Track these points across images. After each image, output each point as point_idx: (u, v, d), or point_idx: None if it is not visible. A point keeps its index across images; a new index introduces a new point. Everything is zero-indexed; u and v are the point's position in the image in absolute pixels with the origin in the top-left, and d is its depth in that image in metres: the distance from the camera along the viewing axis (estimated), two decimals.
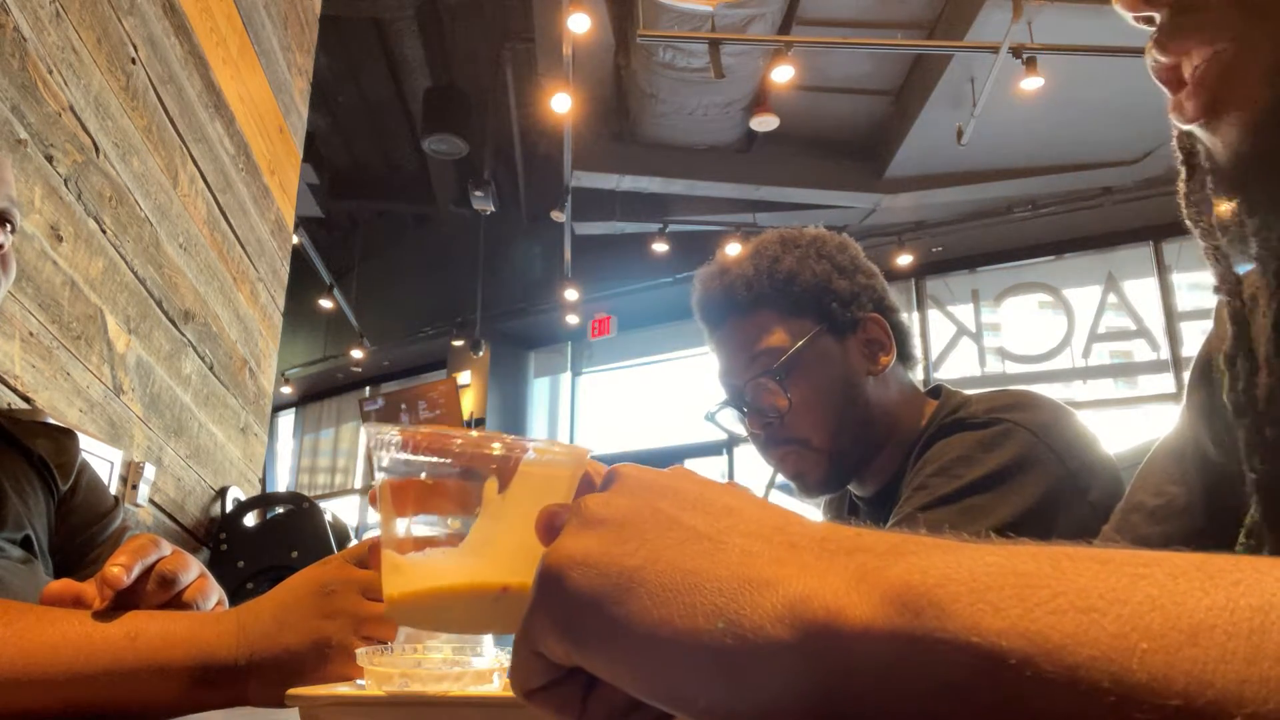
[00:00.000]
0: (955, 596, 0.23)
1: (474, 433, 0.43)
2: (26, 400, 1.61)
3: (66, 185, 1.70)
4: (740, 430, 1.19)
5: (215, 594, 0.77)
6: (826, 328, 1.13)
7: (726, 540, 0.30)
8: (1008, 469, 0.97)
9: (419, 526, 0.43)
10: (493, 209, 7.15)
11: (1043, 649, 0.21)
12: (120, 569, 0.66)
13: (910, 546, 0.27)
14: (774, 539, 0.29)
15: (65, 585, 0.71)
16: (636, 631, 0.28)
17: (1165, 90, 0.48)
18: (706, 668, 0.27)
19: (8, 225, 1.05)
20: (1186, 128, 0.48)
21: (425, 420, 8.03)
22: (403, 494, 0.43)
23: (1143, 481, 0.72)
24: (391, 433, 0.42)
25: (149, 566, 0.69)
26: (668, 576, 0.29)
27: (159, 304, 2.12)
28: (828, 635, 0.25)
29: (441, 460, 0.42)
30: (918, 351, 1.22)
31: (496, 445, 0.42)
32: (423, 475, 0.42)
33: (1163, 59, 0.47)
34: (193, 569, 0.73)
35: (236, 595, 2.29)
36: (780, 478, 1.18)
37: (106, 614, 0.67)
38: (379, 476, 0.43)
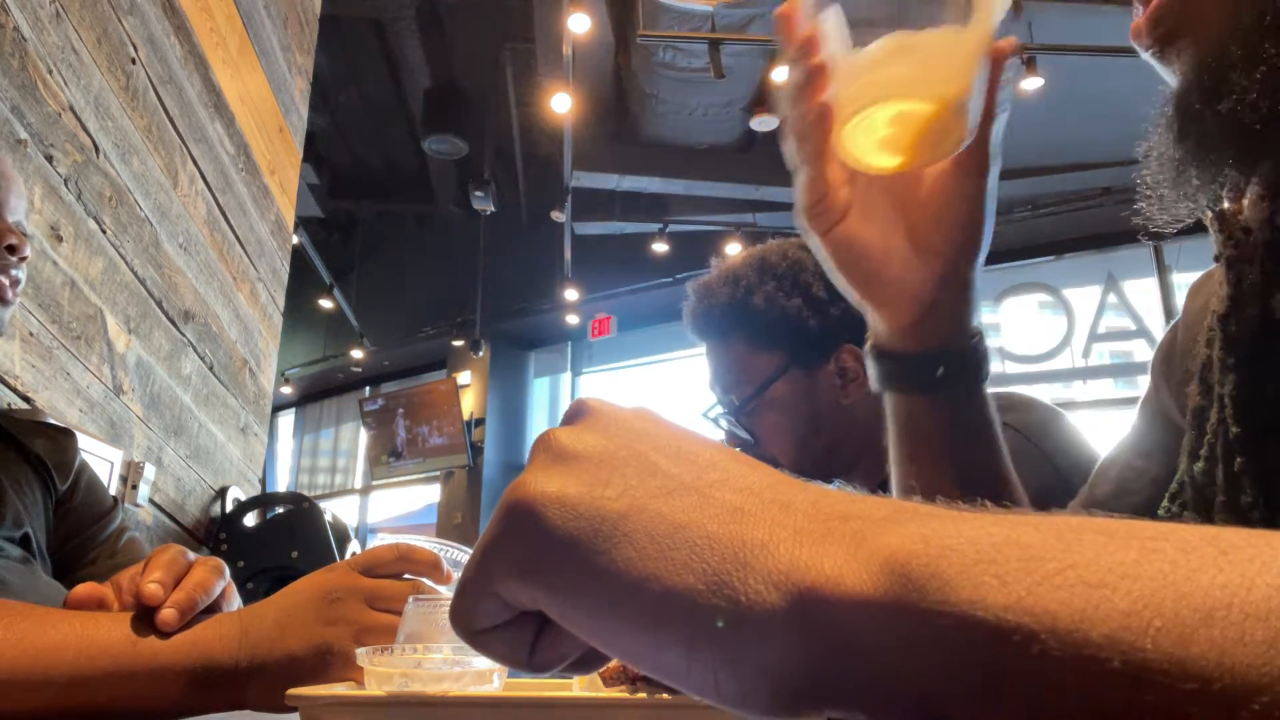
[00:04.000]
0: (958, 568, 0.22)
1: None
2: (26, 400, 1.61)
3: (66, 185, 1.70)
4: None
5: (236, 600, 0.77)
6: (796, 361, 1.15)
7: (715, 495, 0.28)
8: None
9: None
10: (493, 209, 7.15)
11: (1050, 626, 0.20)
12: (158, 586, 0.67)
13: (908, 514, 0.25)
14: (765, 496, 0.27)
15: (90, 590, 0.71)
16: (620, 584, 0.26)
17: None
18: (693, 630, 0.25)
19: (25, 239, 1.05)
20: (1145, 55, 0.50)
21: (425, 424, 8.03)
22: None
23: (1113, 457, 0.73)
24: None
25: (179, 579, 0.70)
26: (656, 528, 0.27)
27: (159, 304, 2.12)
28: (823, 604, 0.24)
29: None
30: None
31: None
32: None
33: (1141, 8, 0.49)
34: (220, 580, 0.72)
35: None
36: None
37: (108, 616, 0.67)
38: None
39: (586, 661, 0.32)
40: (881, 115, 0.44)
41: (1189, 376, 0.59)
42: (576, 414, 0.33)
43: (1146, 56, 0.51)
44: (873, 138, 0.46)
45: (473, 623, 0.30)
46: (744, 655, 0.25)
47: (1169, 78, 0.50)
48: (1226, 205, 0.50)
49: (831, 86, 0.48)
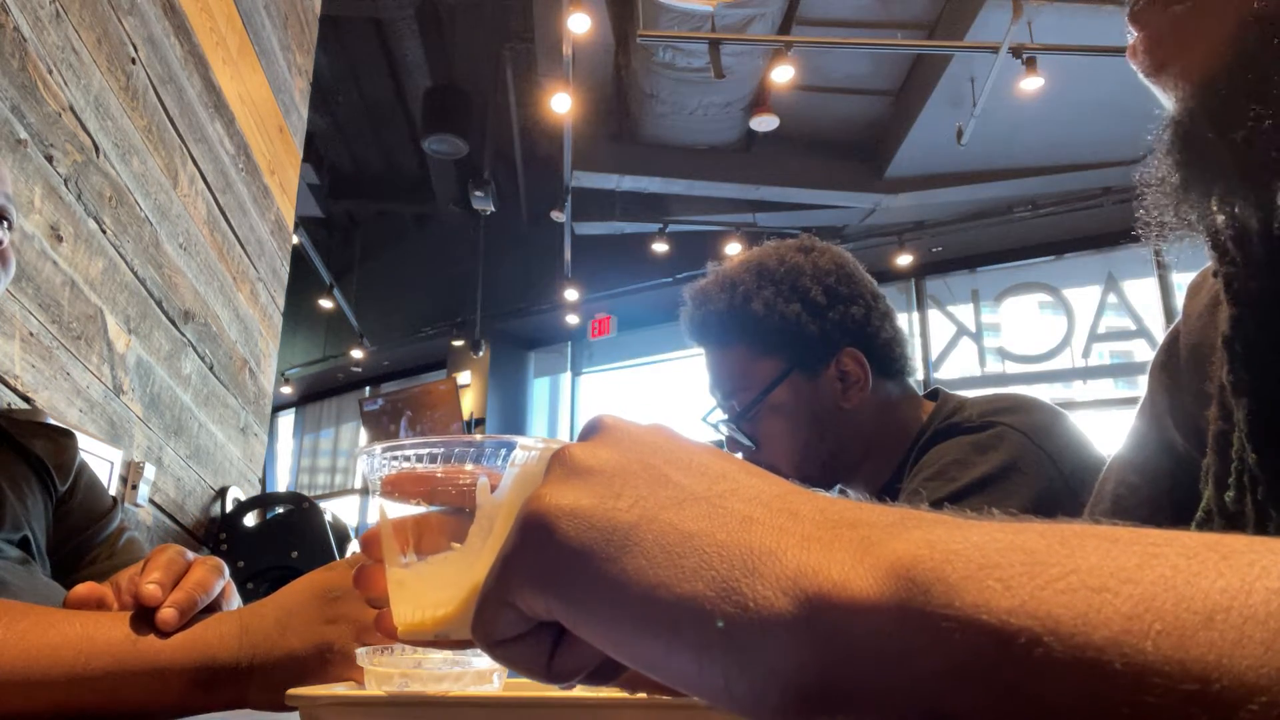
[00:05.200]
0: (963, 573, 0.23)
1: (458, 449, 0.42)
2: (26, 400, 1.61)
3: (66, 185, 1.70)
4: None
5: (236, 599, 0.77)
6: (797, 366, 1.14)
7: (724, 504, 0.28)
8: (1001, 471, 0.98)
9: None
10: (493, 209, 7.15)
11: (1053, 629, 0.21)
12: (156, 586, 0.66)
13: (914, 520, 0.26)
14: (774, 505, 0.28)
15: (90, 589, 0.71)
16: (631, 593, 0.27)
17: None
18: (703, 635, 0.26)
19: (5, 222, 1.05)
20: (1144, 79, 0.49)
21: (426, 424, 8.03)
22: (402, 530, 0.43)
23: (1109, 472, 0.72)
24: (375, 479, 0.43)
25: (178, 579, 0.70)
26: (666, 537, 0.28)
27: (159, 304, 2.12)
28: (830, 609, 0.24)
29: (429, 501, 0.43)
30: (915, 361, 1.23)
31: (471, 473, 0.41)
32: (417, 506, 0.43)
33: (1137, 32, 0.49)
34: (219, 579, 0.72)
35: None
36: None
37: (108, 616, 0.67)
38: (374, 502, 0.44)
39: (605, 671, 0.32)
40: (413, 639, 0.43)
41: (1203, 395, 0.58)
42: (591, 430, 0.34)
43: (1143, 78, 0.50)
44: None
45: (492, 634, 0.31)
46: (754, 660, 0.25)
47: (1165, 100, 0.49)
48: (1220, 220, 0.49)
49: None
